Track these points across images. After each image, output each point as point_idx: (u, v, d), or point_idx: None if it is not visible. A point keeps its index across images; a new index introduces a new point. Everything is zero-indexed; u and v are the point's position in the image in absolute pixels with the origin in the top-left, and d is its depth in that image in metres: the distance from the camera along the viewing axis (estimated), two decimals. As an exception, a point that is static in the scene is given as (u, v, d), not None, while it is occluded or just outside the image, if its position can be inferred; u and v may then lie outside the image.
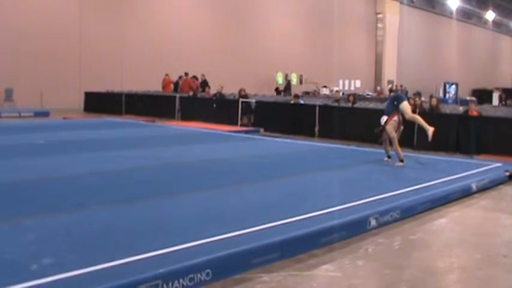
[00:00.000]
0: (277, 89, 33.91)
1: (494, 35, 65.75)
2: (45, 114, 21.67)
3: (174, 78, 28.29)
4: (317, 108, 17.37)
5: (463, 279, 5.38)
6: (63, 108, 23.03)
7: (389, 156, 11.31)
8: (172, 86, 27.98)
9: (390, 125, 10.95)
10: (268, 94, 28.78)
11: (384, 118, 11.06)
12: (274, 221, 6.09)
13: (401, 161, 10.86)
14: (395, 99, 11.43)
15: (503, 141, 13.37)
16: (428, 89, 34.94)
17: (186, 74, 27.96)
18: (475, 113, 15.09)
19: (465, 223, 7.62)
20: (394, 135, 10.90)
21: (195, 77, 27.85)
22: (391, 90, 25.81)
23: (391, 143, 11.15)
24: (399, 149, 10.95)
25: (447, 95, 42.08)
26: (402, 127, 11.23)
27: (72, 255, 4.93)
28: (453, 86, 44.08)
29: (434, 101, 16.51)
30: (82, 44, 26.34)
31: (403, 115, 11.17)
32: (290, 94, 27.58)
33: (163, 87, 27.97)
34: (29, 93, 23.35)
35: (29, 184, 8.11)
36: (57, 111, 21.82)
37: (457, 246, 6.39)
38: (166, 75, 28.11)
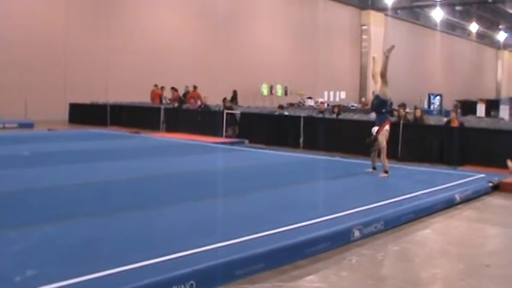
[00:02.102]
0: (224, 99, 33.06)
1: (478, 47, 66.26)
2: (29, 125, 21.52)
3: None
4: (302, 119, 17.39)
5: (446, 290, 5.42)
6: (47, 119, 22.92)
7: (374, 168, 11.33)
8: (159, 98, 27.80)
9: (382, 134, 10.95)
10: (253, 105, 28.83)
11: (375, 128, 11.08)
12: (258, 232, 6.10)
13: (386, 172, 10.89)
14: (380, 107, 11.36)
15: (486, 152, 13.45)
16: (413, 100, 35.11)
17: (195, 87, 27.96)
18: (456, 123, 15.20)
19: (448, 234, 7.67)
20: (385, 145, 10.93)
21: (174, 89, 27.80)
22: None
23: (379, 155, 11.17)
24: (386, 160, 10.99)
25: (431, 106, 42.36)
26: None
27: (56, 266, 4.92)
28: (437, 97, 44.37)
29: (418, 112, 16.61)
30: (67, 55, 26.28)
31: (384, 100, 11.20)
32: (237, 103, 27.02)
33: (152, 99, 27.75)
34: (13, 104, 23.20)
35: (13, 195, 8.07)
36: (41, 122, 21.72)
37: (440, 257, 6.42)
38: (155, 86, 27.97)
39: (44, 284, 4.40)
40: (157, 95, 27.82)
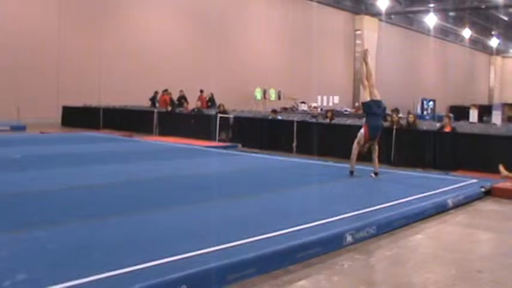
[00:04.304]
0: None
1: (471, 52, 66.49)
2: (21, 128, 21.46)
3: (150, 93, 28.21)
4: (295, 124, 17.41)
5: (437, 295, 5.42)
6: (40, 122, 22.87)
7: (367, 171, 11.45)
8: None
9: (356, 137, 11.17)
10: (246, 109, 28.83)
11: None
12: (250, 237, 6.09)
13: (351, 172, 11.29)
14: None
15: (478, 157, 13.48)
16: (406, 105, 35.18)
17: (202, 91, 28.05)
18: (449, 129, 15.23)
19: (440, 239, 7.67)
20: (355, 147, 11.24)
21: (165, 91, 27.69)
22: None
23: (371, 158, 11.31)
24: (353, 162, 11.35)
25: (425, 112, 42.43)
26: (367, 145, 11.33)
27: (46, 271, 4.89)
28: (431, 103, 44.46)
29: (411, 118, 16.64)
30: (60, 58, 26.25)
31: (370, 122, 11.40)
32: (215, 106, 26.60)
33: (160, 104, 27.49)
34: (5, 107, 23.14)
35: (4, 199, 8.02)
36: (34, 125, 21.65)
37: (432, 262, 6.42)
38: (166, 90, 27.82)
39: (34, 289, 4.38)
40: (164, 100, 27.50)
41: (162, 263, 5.13)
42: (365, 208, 7.97)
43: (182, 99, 27.25)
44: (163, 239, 6.09)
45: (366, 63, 11.85)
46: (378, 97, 11.52)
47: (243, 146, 17.95)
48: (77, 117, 24.79)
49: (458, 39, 59.65)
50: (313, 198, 9.04)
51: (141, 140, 18.87)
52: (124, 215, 7.24)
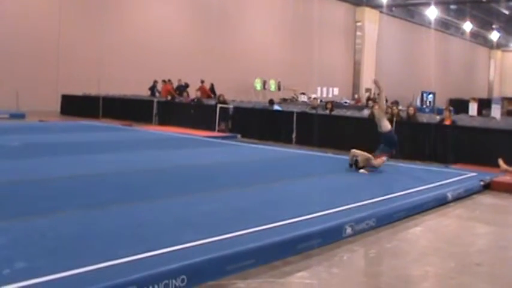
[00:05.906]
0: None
1: (472, 46, 66.35)
2: (20, 116, 21.44)
3: (149, 83, 28.18)
4: (294, 115, 17.39)
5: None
6: (39, 110, 22.84)
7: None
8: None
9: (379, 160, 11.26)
10: (245, 100, 28.84)
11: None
12: (250, 228, 6.08)
13: (351, 165, 11.24)
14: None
15: (478, 151, 13.48)
16: (406, 98, 35.14)
17: (202, 82, 28.03)
18: (449, 122, 15.22)
19: (440, 232, 7.67)
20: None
21: (169, 81, 27.65)
22: (368, 99, 25.78)
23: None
24: (352, 154, 11.36)
25: (425, 104, 42.35)
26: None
27: (46, 259, 4.89)
28: (430, 95, 44.40)
29: (411, 110, 16.60)
30: (60, 46, 26.18)
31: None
32: (215, 95, 26.52)
33: (162, 94, 27.43)
34: (4, 95, 23.11)
35: (2, 187, 8.01)
36: (33, 113, 21.63)
37: (431, 254, 6.42)
38: (169, 80, 27.76)
39: (34, 278, 4.36)
40: (167, 89, 27.39)
41: (162, 253, 5.13)
42: (365, 200, 7.95)
43: (181, 88, 27.17)
44: (163, 229, 6.08)
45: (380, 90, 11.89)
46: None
47: (243, 136, 17.94)
48: (76, 105, 24.74)
49: (459, 32, 59.57)
50: (313, 189, 9.04)
51: (140, 129, 18.84)
52: (123, 204, 7.24)
